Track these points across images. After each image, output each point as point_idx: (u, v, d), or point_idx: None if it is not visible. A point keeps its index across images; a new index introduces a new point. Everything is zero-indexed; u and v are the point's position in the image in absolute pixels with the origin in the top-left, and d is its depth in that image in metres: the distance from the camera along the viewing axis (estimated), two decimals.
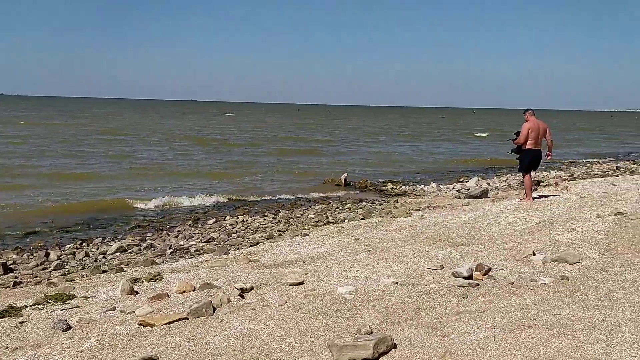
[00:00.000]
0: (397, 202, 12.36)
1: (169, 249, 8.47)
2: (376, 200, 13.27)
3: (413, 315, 4.00)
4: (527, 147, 9.95)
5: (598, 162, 24.26)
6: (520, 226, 7.51)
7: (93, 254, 8.30)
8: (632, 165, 21.36)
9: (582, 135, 49.75)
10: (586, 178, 16.28)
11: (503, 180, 16.63)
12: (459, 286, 4.64)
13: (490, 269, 5.10)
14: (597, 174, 17.82)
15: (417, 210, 10.64)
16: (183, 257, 7.81)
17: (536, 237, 6.71)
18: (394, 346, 3.44)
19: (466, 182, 16.33)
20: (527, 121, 10.05)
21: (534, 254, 5.72)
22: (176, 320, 4.14)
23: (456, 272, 4.97)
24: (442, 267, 5.36)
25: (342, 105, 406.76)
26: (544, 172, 18.85)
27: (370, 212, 11.05)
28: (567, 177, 16.91)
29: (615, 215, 7.83)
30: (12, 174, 17.16)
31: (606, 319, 3.78)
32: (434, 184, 15.69)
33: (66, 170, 18.57)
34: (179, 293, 4.97)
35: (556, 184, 14.26)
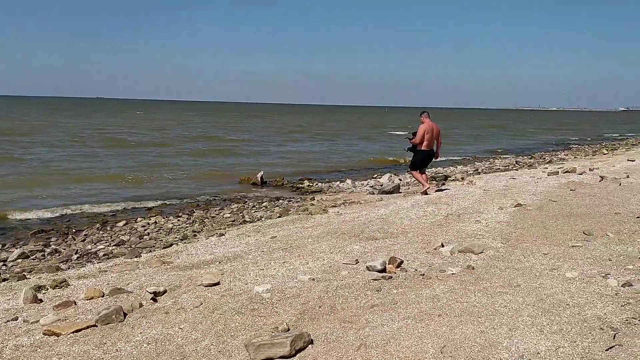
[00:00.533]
0: (314, 200, 12.48)
1: (76, 254, 8.05)
2: (293, 198, 13.33)
3: (329, 311, 4.06)
4: (422, 147, 10.87)
5: (500, 157, 25.75)
6: (430, 219, 7.82)
7: None
8: (530, 160, 22.87)
9: (486, 132, 52.65)
10: (489, 172, 17.23)
11: None
12: (373, 279, 4.76)
13: (402, 262, 5.28)
14: (499, 169, 18.92)
15: (333, 206, 10.79)
16: (91, 262, 7.45)
17: (444, 229, 7.03)
18: (311, 342, 3.48)
19: (379, 178, 16.78)
20: (422, 123, 10.93)
21: (442, 245, 5.99)
22: (84, 328, 3.94)
23: (370, 265, 5.10)
24: (357, 261, 5.48)
25: (258, 103, 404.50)
26: (451, 167, 19.76)
27: (287, 209, 11.08)
28: (472, 172, 17.82)
29: (515, 206, 8.35)
30: None
31: (508, 304, 4.02)
32: (349, 181, 15.98)
33: None
34: (87, 300, 4.75)
35: (462, 178, 14.99)
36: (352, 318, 3.89)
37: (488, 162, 22.43)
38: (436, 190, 11.14)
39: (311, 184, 16.11)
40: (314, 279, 4.89)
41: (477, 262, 5.30)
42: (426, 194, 10.75)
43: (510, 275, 4.81)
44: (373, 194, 12.73)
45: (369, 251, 5.99)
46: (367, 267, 5.14)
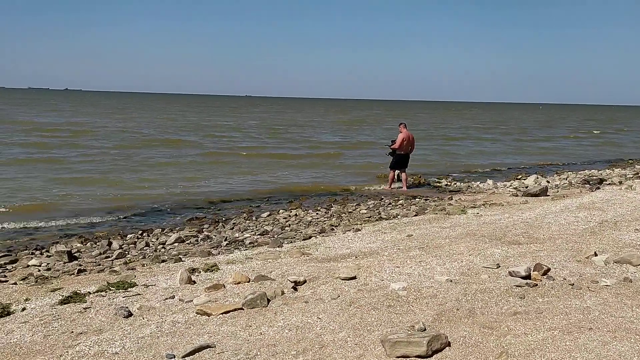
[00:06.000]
0: (452, 199, 12.17)
1: (225, 240, 8.66)
2: (430, 196, 13.09)
3: (468, 314, 3.94)
4: (400, 151, 14.02)
5: None
6: (581, 226, 7.25)
7: (153, 244, 8.58)
8: None
9: None
10: None
11: (564, 178, 16.07)
12: (516, 286, 4.54)
13: (549, 269, 4.96)
14: None
15: (472, 207, 10.43)
16: (238, 248, 7.97)
17: (598, 237, 6.47)
18: (448, 344, 3.41)
19: (524, 179, 15.88)
20: (401, 132, 14.22)
21: (595, 254, 5.52)
22: (232, 310, 4.24)
23: (513, 271, 4.86)
24: (498, 266, 5.25)
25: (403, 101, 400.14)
26: (607, 170, 18.09)
27: (423, 208, 10.92)
28: (631, 176, 16.14)
29: None
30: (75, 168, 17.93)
31: None
32: (490, 181, 15.32)
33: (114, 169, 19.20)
34: (234, 284, 5.09)
35: (620, 182, 13.65)
36: (493, 324, 3.74)
37: None
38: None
39: (449, 183, 15.70)
40: (451, 281, 4.78)
41: (636, 274, 4.81)
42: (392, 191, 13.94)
43: None
44: (517, 195, 12.08)
45: (512, 256, 5.70)
46: (509, 272, 4.91)
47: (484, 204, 10.87)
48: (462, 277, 4.91)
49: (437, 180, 16.32)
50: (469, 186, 14.91)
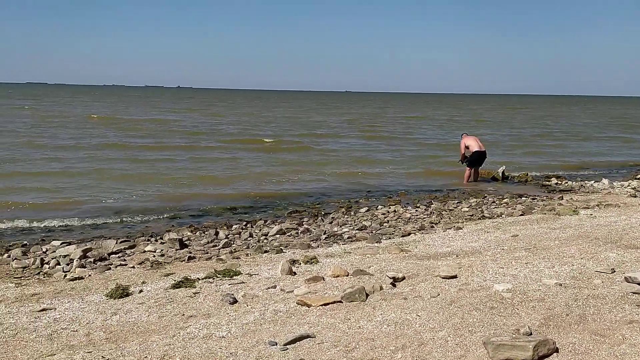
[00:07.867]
0: (562, 199, 11.49)
1: (324, 234, 8.79)
2: (538, 195, 12.45)
3: (578, 320, 3.73)
4: (473, 149, 14.64)
5: None
6: None
7: (256, 235, 8.89)
8: None
9: None
10: None
11: None
12: (633, 292, 4.22)
13: None
14: None
15: (585, 208, 9.80)
16: (336, 242, 8.06)
17: None
18: (556, 350, 3.25)
19: None
20: (462, 139, 15.02)
21: None
22: (331, 303, 4.32)
23: (630, 277, 4.52)
24: (613, 270, 4.91)
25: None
26: None
27: (530, 208, 10.41)
28: None
29: None
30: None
31: None
32: (605, 181, 14.28)
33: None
34: (333, 277, 5.17)
35: None
36: (606, 332, 3.51)
37: None
38: None
39: (559, 182, 14.83)
40: (561, 285, 4.54)
41: None
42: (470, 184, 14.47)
43: None
44: (635, 196, 11.19)
45: (628, 261, 5.30)
46: (625, 278, 4.57)
47: (598, 205, 10.18)
48: (573, 282, 4.64)
49: (546, 178, 15.50)
50: (581, 185, 14.00)
